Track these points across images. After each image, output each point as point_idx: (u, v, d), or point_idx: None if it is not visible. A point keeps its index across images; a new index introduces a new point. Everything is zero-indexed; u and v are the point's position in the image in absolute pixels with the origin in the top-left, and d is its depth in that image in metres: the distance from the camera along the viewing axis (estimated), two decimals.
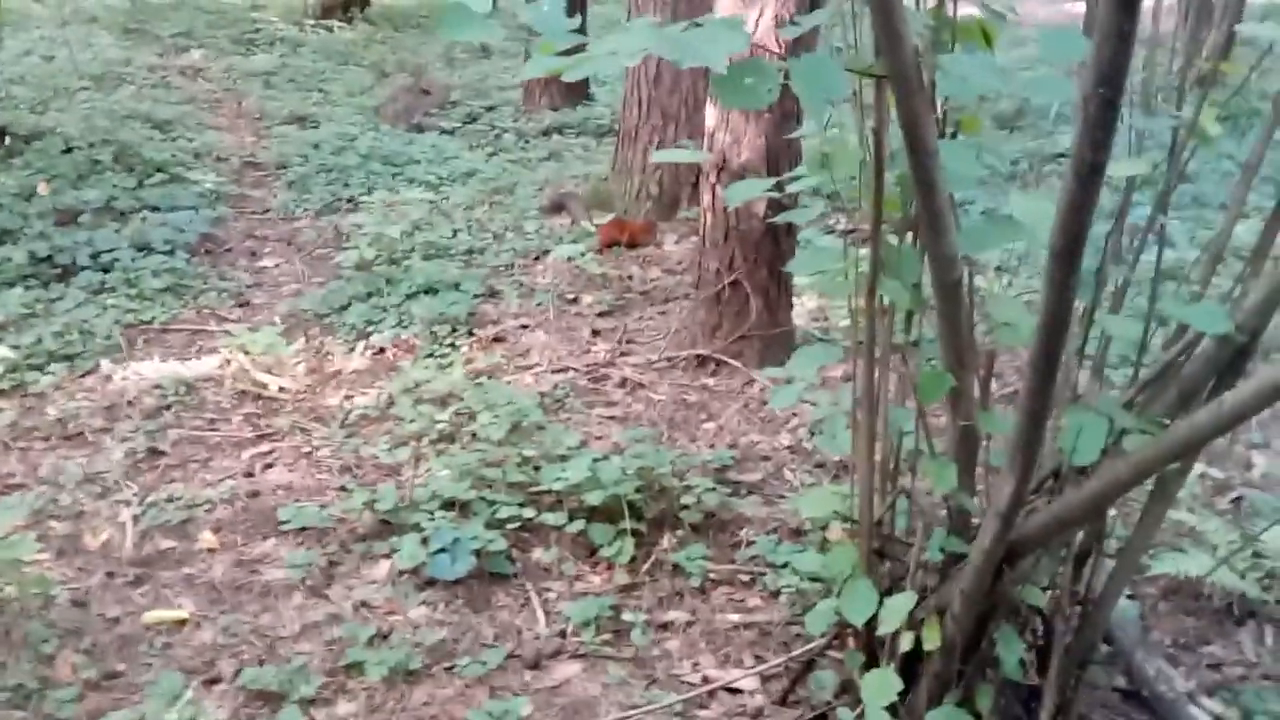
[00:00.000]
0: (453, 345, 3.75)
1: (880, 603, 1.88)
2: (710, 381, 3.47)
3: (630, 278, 4.33)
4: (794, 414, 3.27)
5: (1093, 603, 1.95)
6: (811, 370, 2.01)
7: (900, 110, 1.41)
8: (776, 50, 3.18)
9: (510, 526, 2.66)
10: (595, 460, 2.85)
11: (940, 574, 1.93)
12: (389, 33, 9.87)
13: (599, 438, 3.16)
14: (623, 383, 3.50)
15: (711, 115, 3.36)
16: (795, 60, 1.44)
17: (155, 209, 5.08)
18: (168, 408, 3.35)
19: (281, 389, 3.51)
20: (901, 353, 1.96)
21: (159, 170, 5.60)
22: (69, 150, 5.72)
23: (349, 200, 5.30)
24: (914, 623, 1.86)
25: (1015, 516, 1.64)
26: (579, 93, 7.21)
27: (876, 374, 1.89)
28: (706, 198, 3.46)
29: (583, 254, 4.36)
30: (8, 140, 5.80)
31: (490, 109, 7.18)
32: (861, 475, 1.95)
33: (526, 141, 6.53)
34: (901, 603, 1.86)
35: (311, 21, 9.82)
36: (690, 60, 1.17)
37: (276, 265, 4.60)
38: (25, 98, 7.01)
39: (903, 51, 1.32)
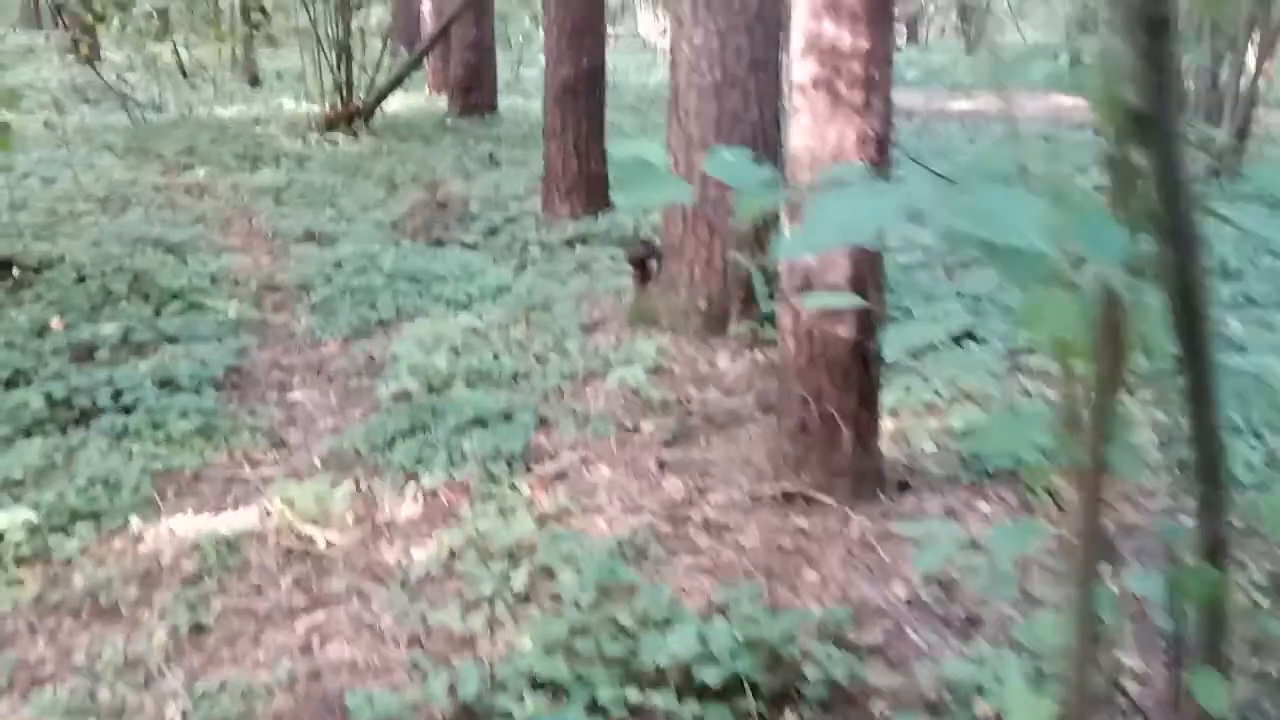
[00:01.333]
0: (512, 485, 3.46)
1: None
2: (803, 522, 3.18)
3: (689, 400, 4.06)
4: (903, 560, 2.98)
5: None
6: (1018, 547, 1.73)
7: (1171, 270, 1.17)
8: (861, 166, 2.98)
9: (614, 712, 2.34)
10: (699, 625, 2.54)
11: None
12: (394, 144, 9.76)
13: (690, 593, 2.85)
14: (706, 525, 3.20)
15: (790, 235, 3.13)
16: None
17: (175, 340, 4.82)
18: (209, 572, 3.03)
19: (330, 543, 3.20)
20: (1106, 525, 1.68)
21: (176, 298, 5.36)
22: (81, 280, 5.49)
23: (379, 323, 5.05)
24: None
25: None
26: (600, 201, 7.04)
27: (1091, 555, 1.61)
28: (787, 322, 3.21)
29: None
30: (15, 272, 5.56)
31: (510, 220, 7.00)
32: (1081, 684, 1.65)
33: (552, 253, 6.32)
34: None
35: (315, 135, 9.71)
36: (1002, 235, 0.92)
37: (309, 398, 4.31)
38: (30, 224, 6.80)
39: (1184, 206, 1.07)
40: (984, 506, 3.26)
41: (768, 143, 4.61)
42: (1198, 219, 1.08)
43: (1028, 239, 0.94)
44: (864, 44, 2.88)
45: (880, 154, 3.00)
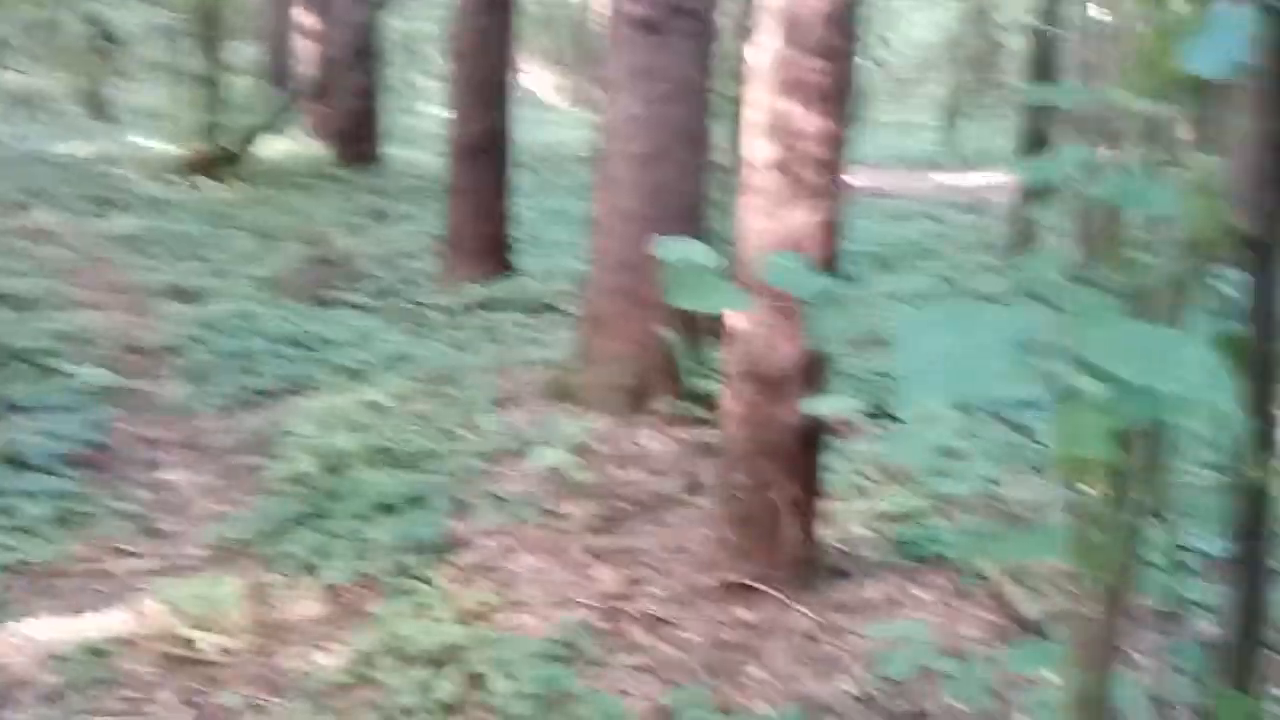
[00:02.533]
0: (427, 579, 3.36)
1: None
2: (745, 614, 3.18)
3: (614, 482, 4.04)
4: (848, 653, 3.00)
5: None
6: (1032, 669, 1.75)
7: (1250, 398, 1.20)
8: (815, 252, 3.05)
9: None
10: None
11: None
12: (269, 193, 9.58)
13: (634, 697, 2.81)
14: (644, 620, 3.17)
15: (741, 316, 3.18)
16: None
17: (21, 409, 4.57)
18: (74, 686, 2.83)
19: (219, 649, 3.05)
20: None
21: (20, 360, 5.10)
22: None
23: (262, 393, 4.89)
24: None
25: None
26: (502, 264, 7.04)
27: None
28: (732, 407, 3.24)
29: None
30: None
31: (404, 280, 6.92)
32: None
33: (454, 318, 6.26)
34: None
35: (178, 179, 9.45)
36: (1163, 380, 0.93)
37: (185, 479, 4.13)
38: None
39: (1275, 335, 1.12)
40: (920, 594, 3.33)
41: (697, 216, 4.70)
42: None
43: (1190, 385, 0.94)
44: (823, 125, 2.96)
45: (835, 239, 3.08)
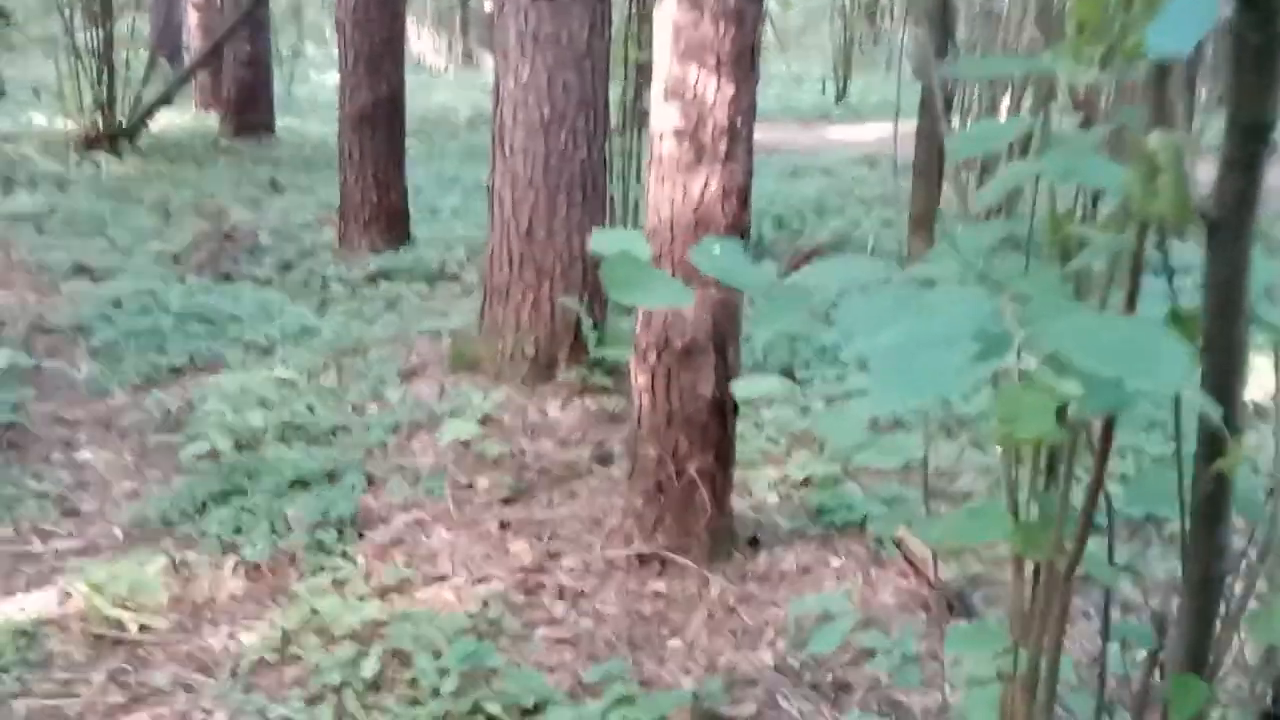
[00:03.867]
0: (345, 554, 3.19)
1: None
2: (661, 586, 3.08)
3: (523, 453, 3.90)
4: (766, 623, 2.93)
5: None
6: (974, 651, 1.65)
7: (1210, 380, 1.13)
8: (723, 220, 2.95)
9: None
10: (572, 709, 2.41)
11: None
12: (165, 167, 9.01)
13: (555, 670, 2.70)
14: (561, 593, 3.05)
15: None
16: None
17: None
18: (5, 668, 2.62)
19: (145, 628, 2.84)
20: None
21: None
22: None
23: (171, 370, 4.59)
24: None
25: None
26: (400, 234, 6.76)
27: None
28: (644, 379, 3.13)
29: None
30: None
31: (304, 253, 6.58)
32: None
33: (355, 290, 5.98)
34: None
35: (76, 156, 8.80)
36: (1137, 376, 0.85)
37: (101, 458, 3.84)
38: None
39: (1239, 319, 1.04)
40: (835, 561, 3.23)
41: (595, 183, 4.53)
42: (1247, 333, 1.05)
43: (1166, 381, 0.86)
44: (730, 91, 2.83)
45: (742, 207, 2.98)
